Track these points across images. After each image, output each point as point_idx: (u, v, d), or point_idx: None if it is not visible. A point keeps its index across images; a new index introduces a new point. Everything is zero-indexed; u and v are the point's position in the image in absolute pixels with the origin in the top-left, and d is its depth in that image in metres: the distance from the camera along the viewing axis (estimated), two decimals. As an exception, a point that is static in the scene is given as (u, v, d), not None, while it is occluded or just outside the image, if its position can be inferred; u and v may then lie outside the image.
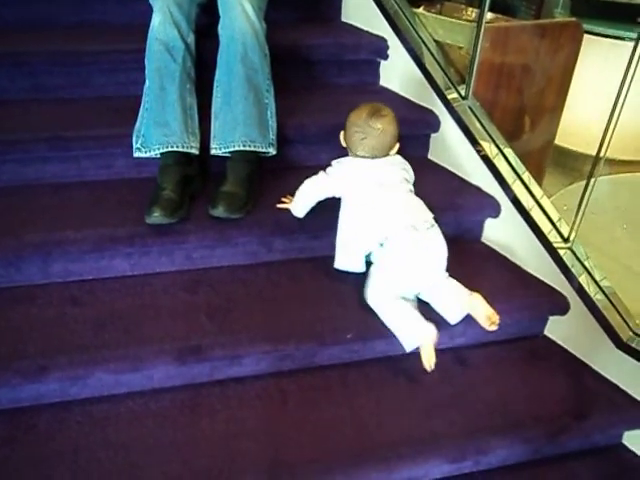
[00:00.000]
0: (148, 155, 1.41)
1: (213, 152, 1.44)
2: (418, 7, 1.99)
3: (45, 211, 1.37)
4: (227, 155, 1.44)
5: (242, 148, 1.42)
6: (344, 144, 1.35)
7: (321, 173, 1.34)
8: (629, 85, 1.21)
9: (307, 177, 1.35)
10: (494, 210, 1.51)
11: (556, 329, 1.40)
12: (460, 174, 1.62)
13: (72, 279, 1.30)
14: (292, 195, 1.39)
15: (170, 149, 1.38)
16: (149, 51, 1.39)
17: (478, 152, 1.54)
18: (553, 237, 1.40)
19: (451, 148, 1.64)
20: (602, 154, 1.28)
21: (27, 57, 1.61)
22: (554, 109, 2.31)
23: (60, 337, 1.15)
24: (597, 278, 1.33)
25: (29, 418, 1.09)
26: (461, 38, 1.78)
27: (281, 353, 1.20)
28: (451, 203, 1.51)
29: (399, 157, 1.35)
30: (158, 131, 1.38)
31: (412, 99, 1.68)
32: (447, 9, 2.26)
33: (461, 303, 1.24)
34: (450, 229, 1.50)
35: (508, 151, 1.54)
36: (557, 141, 2.55)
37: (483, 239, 1.56)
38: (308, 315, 1.26)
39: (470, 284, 1.25)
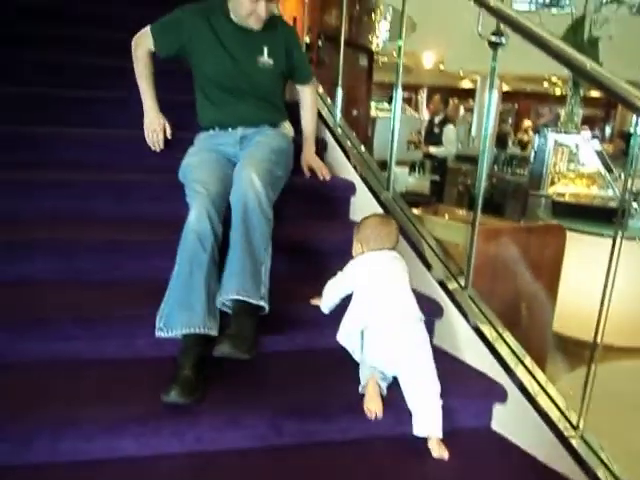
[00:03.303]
0: (170, 335, 1.48)
1: (217, 304, 1.53)
2: (416, 207, 2.26)
3: (62, 388, 1.40)
4: (228, 312, 1.54)
5: (236, 297, 1.51)
6: (362, 252, 1.59)
7: (339, 273, 1.59)
8: (613, 277, 1.34)
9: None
10: (500, 396, 1.54)
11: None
12: (465, 359, 1.68)
13: (80, 459, 1.27)
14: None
15: (192, 331, 1.46)
16: (184, 241, 1.55)
17: (481, 338, 1.62)
18: (562, 425, 1.41)
19: (455, 334, 1.72)
20: (598, 341, 1.36)
21: (64, 244, 1.77)
22: (547, 298, 2.46)
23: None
24: (616, 473, 1.30)
25: None
26: (456, 235, 2.00)
27: None
28: (457, 389, 1.54)
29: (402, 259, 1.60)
30: (182, 313, 1.48)
31: (416, 288, 1.81)
32: (441, 210, 2.55)
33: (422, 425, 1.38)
34: (458, 416, 1.51)
35: (509, 337, 1.62)
36: (557, 328, 2.65)
37: (493, 426, 1.56)
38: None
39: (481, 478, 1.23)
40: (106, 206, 2.00)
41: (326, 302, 1.62)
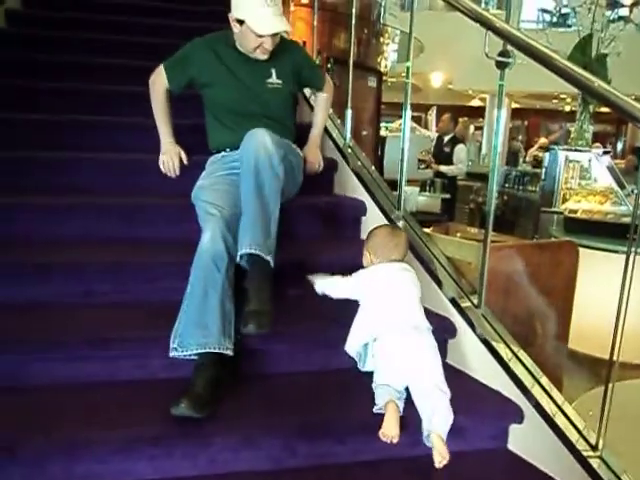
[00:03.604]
0: (184, 354, 1.48)
1: (237, 260, 1.58)
2: (428, 227, 2.27)
3: (76, 410, 1.40)
4: (245, 268, 1.59)
5: (249, 251, 1.56)
6: (371, 260, 1.62)
7: (347, 276, 1.61)
8: (628, 293, 1.32)
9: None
10: (516, 416, 1.51)
11: None
12: (479, 378, 1.66)
13: (94, 482, 1.28)
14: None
15: (207, 350, 1.47)
16: (198, 262, 1.55)
17: (495, 357, 1.60)
18: (581, 445, 1.38)
19: (469, 353, 1.70)
20: (615, 358, 1.34)
21: (76, 267, 1.79)
22: (562, 315, 2.44)
23: None
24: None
25: None
26: (468, 254, 1.99)
27: None
28: (473, 408, 1.52)
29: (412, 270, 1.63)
30: (197, 332, 1.48)
31: (429, 307, 1.81)
32: (452, 229, 2.55)
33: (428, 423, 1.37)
34: (474, 436, 1.49)
35: (524, 356, 1.60)
36: (573, 345, 2.61)
37: (509, 446, 1.53)
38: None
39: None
40: (118, 229, 2.02)
41: (323, 288, 1.65)
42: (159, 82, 2.06)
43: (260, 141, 1.68)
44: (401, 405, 1.42)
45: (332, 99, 2.32)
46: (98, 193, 2.15)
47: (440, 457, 1.31)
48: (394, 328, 1.47)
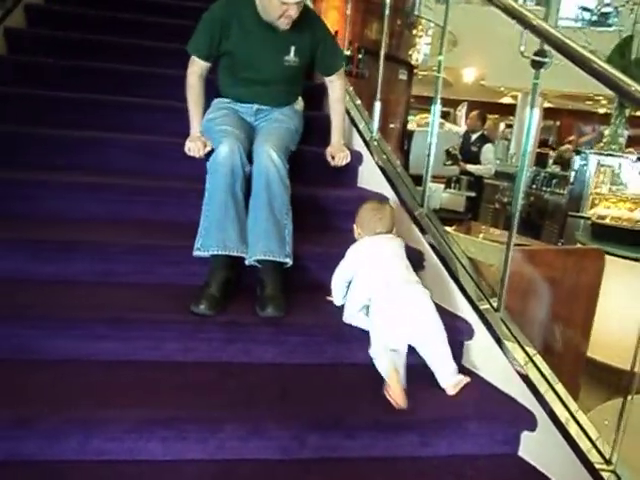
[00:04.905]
0: (206, 254, 1.69)
1: (246, 262, 1.74)
2: (450, 226, 2.23)
3: (92, 387, 1.43)
4: (258, 266, 1.74)
5: (263, 257, 1.71)
6: (359, 233, 1.73)
7: (341, 262, 1.69)
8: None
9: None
10: (529, 423, 1.49)
11: None
12: (494, 382, 1.64)
13: (105, 458, 1.30)
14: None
15: (226, 252, 1.69)
16: (215, 173, 1.74)
17: (511, 362, 1.58)
18: (594, 457, 1.36)
19: (485, 356, 1.68)
20: (636, 369, 1.31)
21: (102, 246, 1.81)
22: (583, 323, 2.39)
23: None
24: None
25: None
26: (490, 256, 1.96)
27: None
28: (485, 413, 1.51)
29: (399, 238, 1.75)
30: (218, 235, 1.69)
31: (446, 307, 1.80)
32: (475, 229, 2.51)
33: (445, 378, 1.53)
34: (485, 441, 1.48)
35: (540, 361, 1.57)
36: (592, 354, 2.57)
37: (520, 453, 1.52)
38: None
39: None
40: (144, 211, 2.04)
41: (335, 293, 1.72)
42: (194, 70, 2.01)
43: (267, 155, 1.79)
44: (402, 372, 1.45)
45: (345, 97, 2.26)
46: (125, 174, 2.17)
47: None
48: (385, 286, 1.54)
